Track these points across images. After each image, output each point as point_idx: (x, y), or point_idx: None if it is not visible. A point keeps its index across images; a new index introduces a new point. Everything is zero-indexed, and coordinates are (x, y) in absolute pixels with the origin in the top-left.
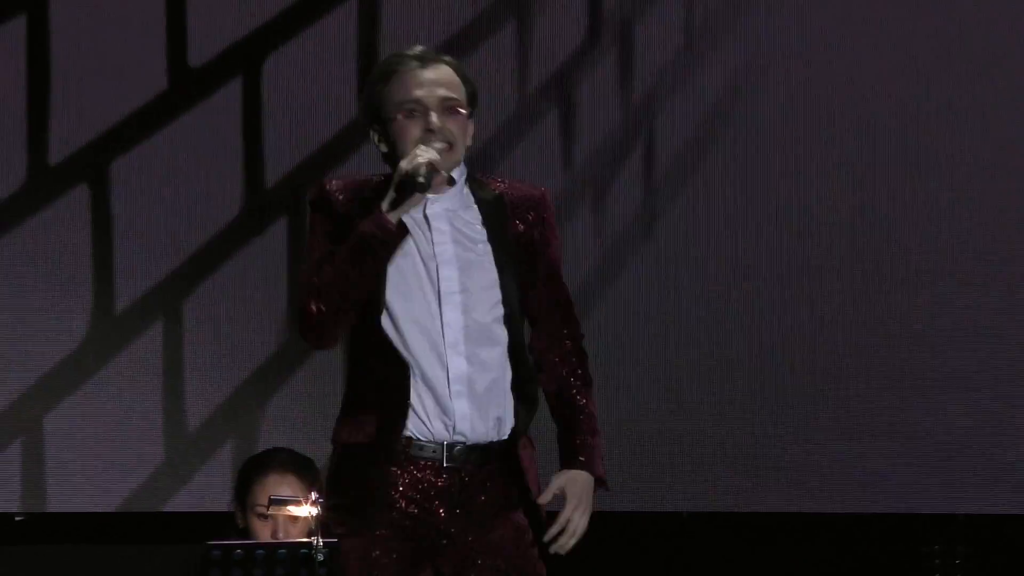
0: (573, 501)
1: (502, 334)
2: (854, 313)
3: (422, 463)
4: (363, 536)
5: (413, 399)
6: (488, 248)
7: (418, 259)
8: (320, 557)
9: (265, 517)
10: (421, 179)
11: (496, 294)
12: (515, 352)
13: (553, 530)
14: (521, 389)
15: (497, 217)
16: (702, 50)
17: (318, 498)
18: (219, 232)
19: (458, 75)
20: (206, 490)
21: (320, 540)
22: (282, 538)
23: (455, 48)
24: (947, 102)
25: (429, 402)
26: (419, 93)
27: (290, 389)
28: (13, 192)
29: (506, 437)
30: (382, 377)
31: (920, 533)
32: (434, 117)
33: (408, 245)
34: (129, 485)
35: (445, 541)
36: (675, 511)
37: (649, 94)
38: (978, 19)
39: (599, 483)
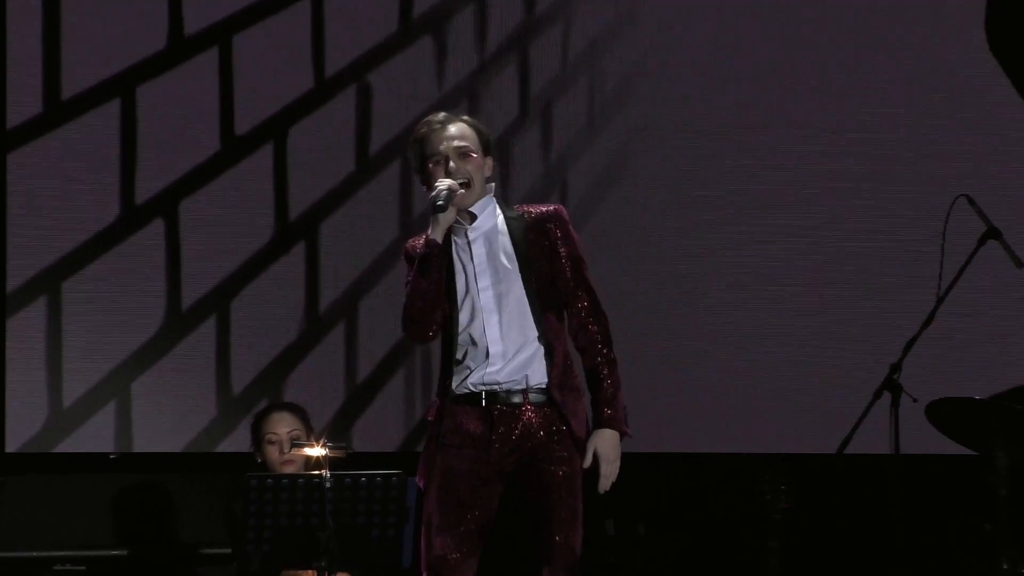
0: (608, 460)
1: (527, 317)
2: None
3: (468, 406)
4: (446, 451)
5: (467, 362)
6: (514, 257)
7: (463, 274)
8: (327, 484)
9: (272, 442)
10: (440, 202)
11: (520, 291)
12: (541, 330)
13: (601, 484)
14: (546, 350)
15: (522, 233)
16: (600, 124)
17: (326, 442)
18: (257, 251)
19: (471, 128)
20: (246, 437)
21: (328, 472)
22: (286, 453)
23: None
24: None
25: (475, 365)
26: (440, 147)
27: (305, 365)
28: (110, 224)
29: (540, 386)
30: (449, 353)
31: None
32: (452, 163)
33: (459, 265)
34: (191, 432)
35: (496, 449)
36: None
37: (562, 155)
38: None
39: (623, 435)
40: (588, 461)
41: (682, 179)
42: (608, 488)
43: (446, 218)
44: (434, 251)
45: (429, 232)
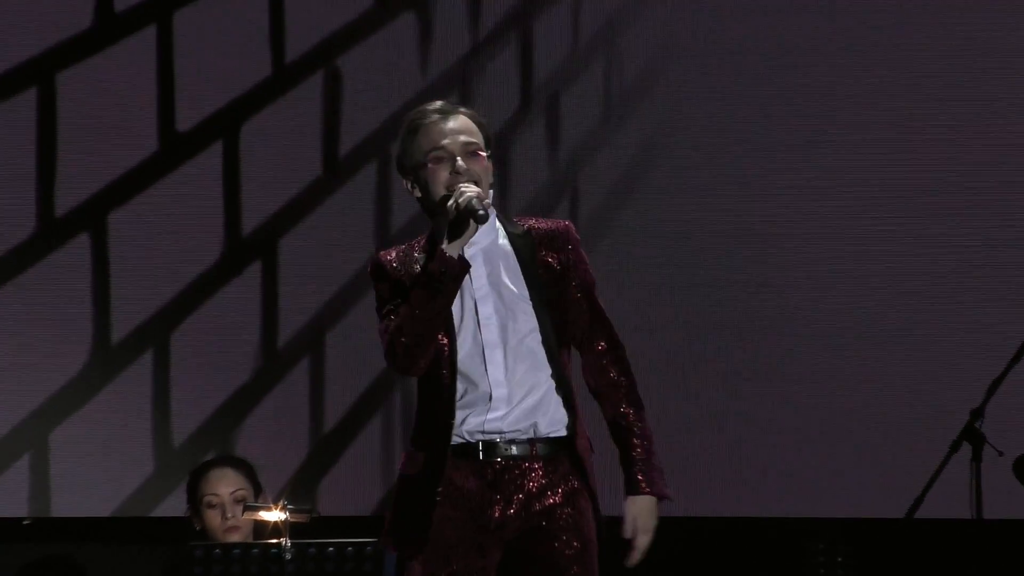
0: (643, 531)
1: (539, 354)
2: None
3: (461, 460)
4: (432, 515)
5: (462, 406)
6: (523, 281)
7: (459, 299)
8: (288, 556)
9: (213, 506)
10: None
11: (532, 322)
12: (553, 365)
13: (632, 556)
14: (561, 394)
15: (530, 252)
16: (617, 118)
17: (286, 504)
18: (202, 273)
19: (475, 123)
20: None
21: (288, 541)
22: (229, 519)
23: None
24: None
25: (471, 409)
26: (444, 141)
27: (260, 410)
28: (24, 240)
29: (550, 436)
30: (435, 394)
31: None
32: (460, 161)
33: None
34: (123, 493)
35: (497, 512)
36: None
37: (572, 155)
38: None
39: (662, 498)
40: (629, 532)
41: (719, 187)
42: (638, 561)
43: (472, 232)
44: (455, 271)
45: (444, 245)
